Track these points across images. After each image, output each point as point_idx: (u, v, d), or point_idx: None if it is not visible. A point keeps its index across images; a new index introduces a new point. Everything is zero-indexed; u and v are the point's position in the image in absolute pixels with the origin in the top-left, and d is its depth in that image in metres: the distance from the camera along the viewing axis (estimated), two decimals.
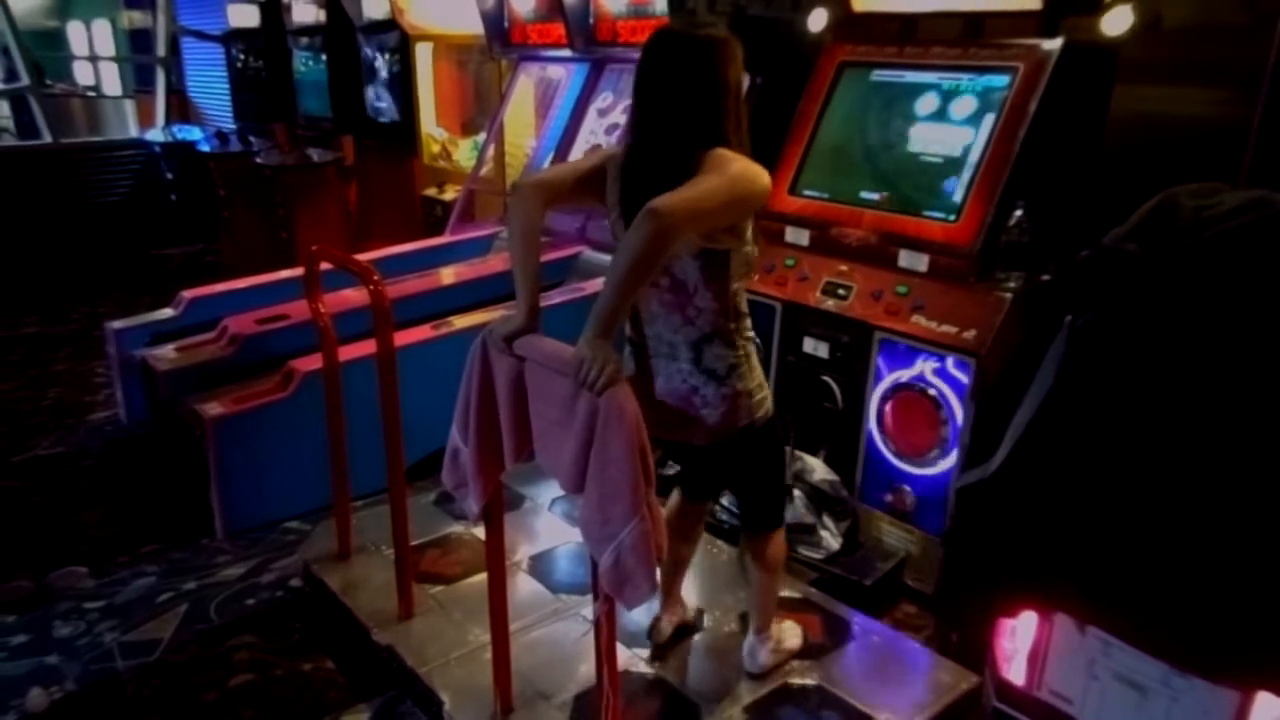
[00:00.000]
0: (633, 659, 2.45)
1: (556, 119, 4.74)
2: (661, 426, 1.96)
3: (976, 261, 2.69)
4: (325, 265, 2.78)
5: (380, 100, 6.31)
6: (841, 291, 2.93)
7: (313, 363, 3.25)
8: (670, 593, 2.53)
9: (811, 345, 3.02)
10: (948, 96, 2.94)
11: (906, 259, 2.83)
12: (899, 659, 2.49)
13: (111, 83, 11.02)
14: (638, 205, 1.67)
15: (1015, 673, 1.79)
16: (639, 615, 2.50)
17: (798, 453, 2.97)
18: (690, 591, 2.75)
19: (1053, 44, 2.71)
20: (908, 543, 2.86)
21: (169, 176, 7.61)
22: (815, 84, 3.27)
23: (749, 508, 2.34)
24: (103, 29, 11.99)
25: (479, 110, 6.13)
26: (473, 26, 5.06)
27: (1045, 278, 2.69)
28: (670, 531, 2.39)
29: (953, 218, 2.77)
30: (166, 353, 3.89)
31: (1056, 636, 1.72)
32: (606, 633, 1.91)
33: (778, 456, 2.26)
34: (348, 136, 6.73)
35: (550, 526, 3.17)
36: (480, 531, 2.70)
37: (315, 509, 3.34)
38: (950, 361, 2.64)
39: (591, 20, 4.30)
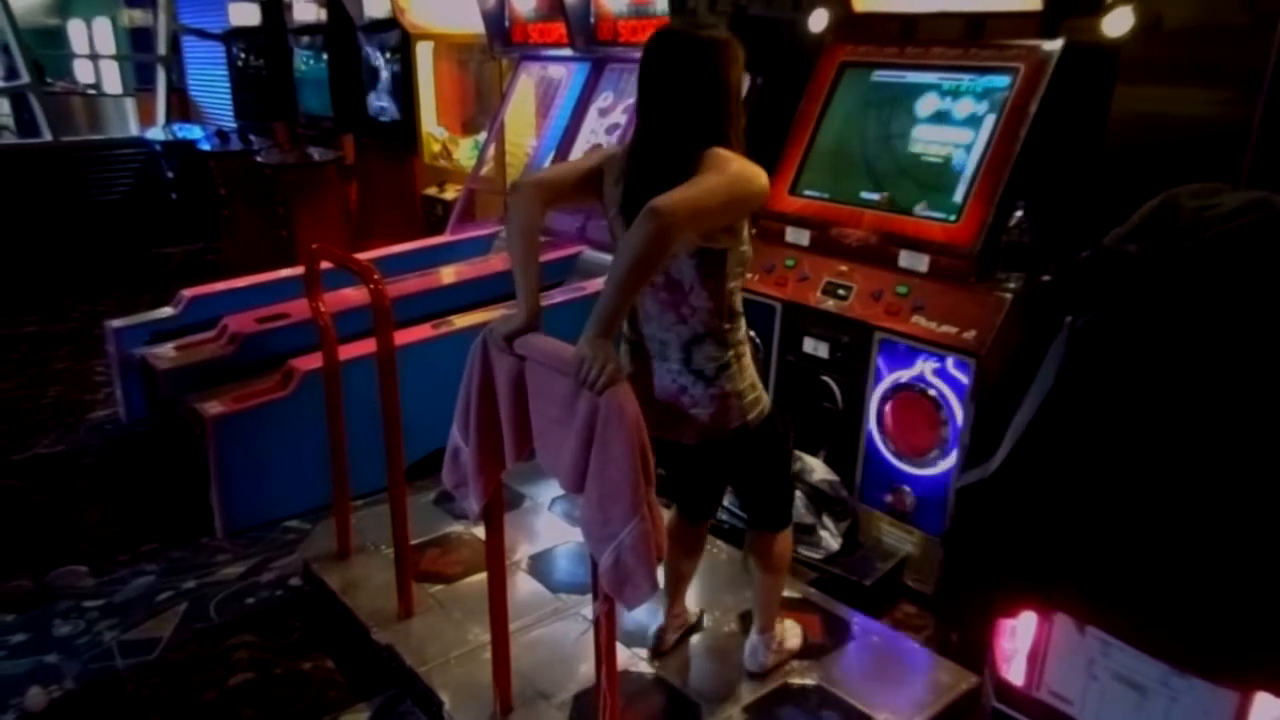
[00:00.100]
0: (633, 659, 2.45)
1: (557, 118, 4.74)
2: (654, 425, 1.96)
3: (977, 262, 2.69)
4: (325, 264, 2.78)
5: (381, 99, 6.31)
6: (842, 292, 2.93)
7: (313, 362, 3.25)
8: (673, 605, 2.53)
9: (811, 345, 3.02)
10: (948, 97, 2.93)
11: (907, 259, 2.83)
12: (899, 659, 2.49)
13: (112, 81, 11.02)
14: (638, 204, 1.67)
15: (1015, 673, 1.79)
16: (639, 615, 2.50)
17: (798, 453, 2.97)
18: (690, 591, 2.75)
19: (1053, 45, 2.71)
20: (908, 543, 2.86)
21: (169, 175, 7.61)
22: (816, 84, 3.27)
23: (752, 505, 2.34)
24: (103, 27, 12.00)
25: (479, 109, 6.13)
26: (474, 25, 5.06)
27: (1045, 278, 2.69)
28: (670, 549, 2.40)
29: (953, 218, 2.77)
30: (166, 351, 3.90)
31: (1056, 636, 1.72)
32: (606, 632, 1.91)
33: (779, 456, 2.24)
34: (348, 135, 6.73)
35: (550, 526, 3.17)
36: (480, 531, 2.70)
37: (315, 508, 3.34)
38: (950, 362, 2.64)
39: (592, 20, 4.30)
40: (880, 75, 3.14)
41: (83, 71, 11.79)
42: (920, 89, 3.01)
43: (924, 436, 2.74)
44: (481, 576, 2.46)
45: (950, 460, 2.69)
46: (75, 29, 12.54)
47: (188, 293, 4.26)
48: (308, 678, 2.60)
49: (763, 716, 2.27)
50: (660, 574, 1.73)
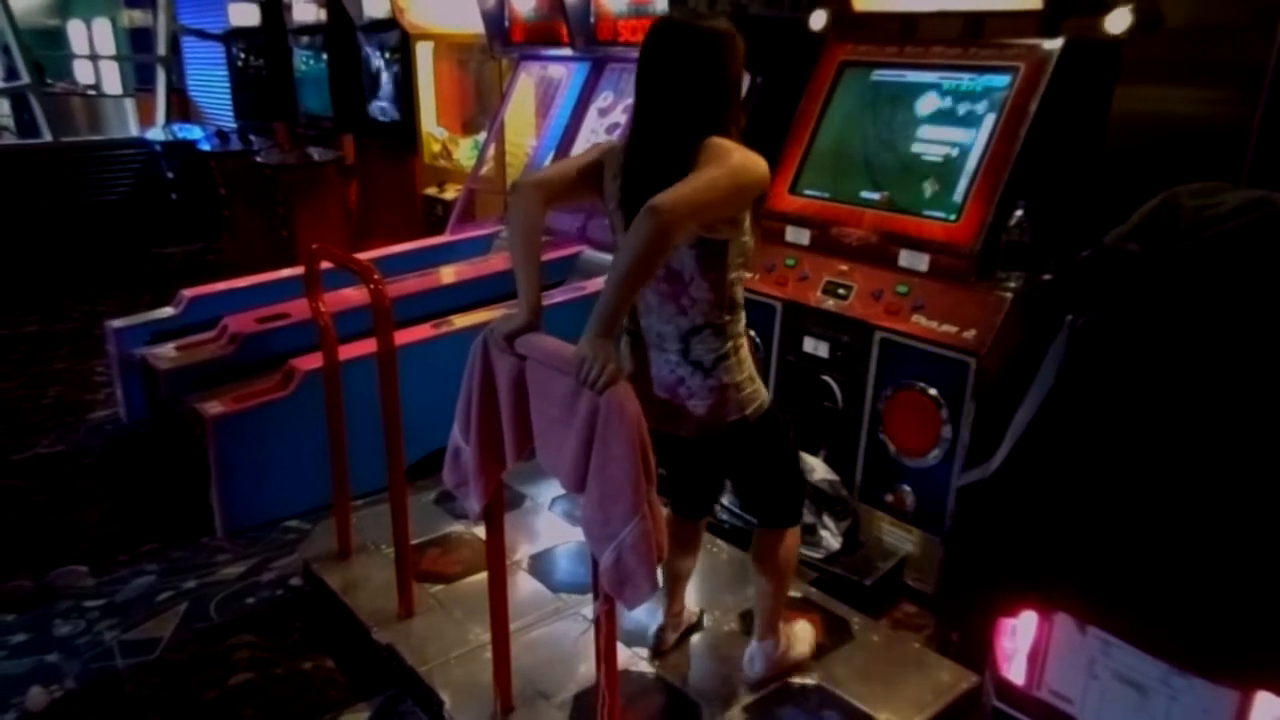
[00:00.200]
0: (633, 658, 2.45)
1: (557, 118, 4.74)
2: (652, 417, 1.95)
3: (977, 261, 2.69)
4: (325, 264, 2.78)
5: (381, 99, 6.31)
6: (842, 291, 2.93)
7: (313, 361, 3.25)
8: (672, 604, 2.52)
9: (812, 345, 3.02)
10: (948, 96, 2.93)
11: (907, 259, 2.83)
12: (899, 659, 2.49)
13: (112, 81, 11.02)
14: (639, 198, 1.67)
15: (1015, 672, 1.79)
16: (639, 615, 2.50)
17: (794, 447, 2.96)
18: (690, 591, 2.75)
19: (1054, 44, 2.71)
20: (908, 542, 2.86)
21: (169, 175, 7.61)
22: (816, 83, 3.26)
23: (755, 503, 2.31)
24: (103, 27, 12.00)
25: (479, 109, 6.13)
26: (474, 25, 5.06)
27: (1046, 277, 2.69)
28: (671, 549, 2.40)
29: (953, 217, 2.77)
30: (167, 351, 3.90)
31: (1056, 636, 1.72)
32: (606, 632, 1.91)
33: (781, 450, 2.20)
34: (348, 135, 6.72)
35: (551, 525, 3.17)
36: (480, 530, 2.70)
37: (315, 508, 3.34)
38: (950, 361, 2.64)
39: (592, 19, 4.30)
40: (880, 74, 3.14)
41: (83, 72, 11.79)
42: (920, 88, 3.01)
43: (924, 436, 2.73)
44: (482, 576, 2.46)
45: (950, 460, 2.69)
46: (75, 29, 12.54)
47: (188, 293, 4.26)
48: (308, 677, 2.60)
49: (763, 716, 2.27)
50: (660, 573, 1.73)
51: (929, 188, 2.89)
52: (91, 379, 4.87)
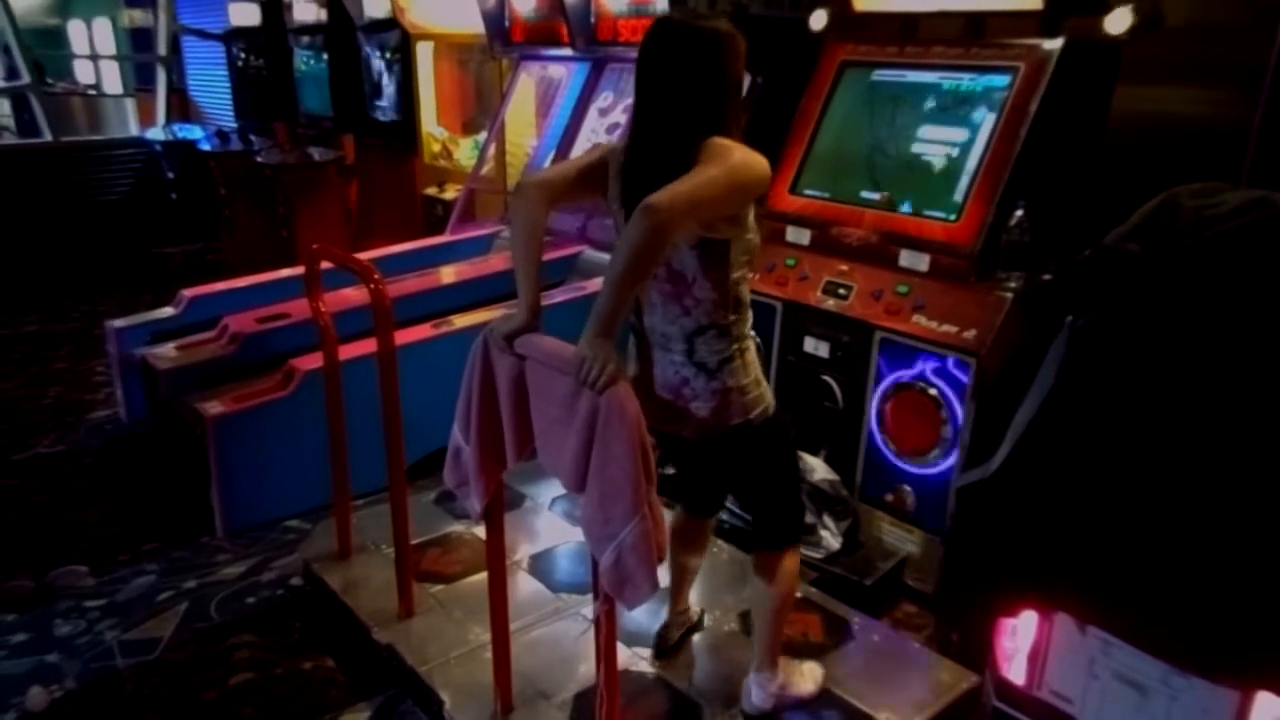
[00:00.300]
0: (633, 658, 2.45)
1: (557, 118, 4.74)
2: (655, 418, 1.95)
3: (977, 261, 2.69)
4: (326, 264, 2.78)
5: (381, 99, 6.31)
6: (842, 291, 2.93)
7: (313, 361, 3.25)
8: (677, 602, 2.51)
9: (812, 345, 3.02)
10: (949, 96, 2.93)
11: (907, 259, 2.83)
12: (899, 659, 2.49)
13: (112, 81, 11.03)
14: (638, 197, 1.66)
15: (1015, 672, 1.79)
16: (639, 615, 2.50)
17: (798, 452, 2.96)
18: (691, 590, 2.75)
19: (1054, 44, 2.71)
20: (908, 542, 2.86)
21: (170, 175, 7.61)
22: (816, 83, 3.27)
23: (754, 515, 2.22)
24: (103, 27, 12.00)
25: (480, 109, 6.13)
26: (474, 25, 5.06)
27: (1046, 278, 2.69)
28: (674, 544, 2.37)
29: (954, 217, 2.77)
30: (167, 351, 3.90)
31: (1057, 636, 1.72)
32: (606, 632, 1.91)
33: (782, 460, 2.14)
34: (348, 135, 6.73)
35: (551, 525, 3.17)
36: (480, 530, 2.70)
37: (315, 508, 3.34)
38: (950, 361, 2.64)
39: (592, 19, 4.30)
40: (880, 74, 3.15)
41: (83, 72, 11.79)
42: (920, 88, 3.01)
43: (924, 436, 2.74)
44: (482, 576, 2.46)
45: (950, 460, 2.69)
46: (75, 29, 12.54)
47: (188, 293, 4.26)
48: (308, 677, 2.60)
49: (763, 716, 2.26)
50: (662, 573, 1.72)
51: (929, 188, 2.89)
52: (91, 379, 4.88)
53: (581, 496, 1.77)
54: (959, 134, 2.87)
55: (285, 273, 4.44)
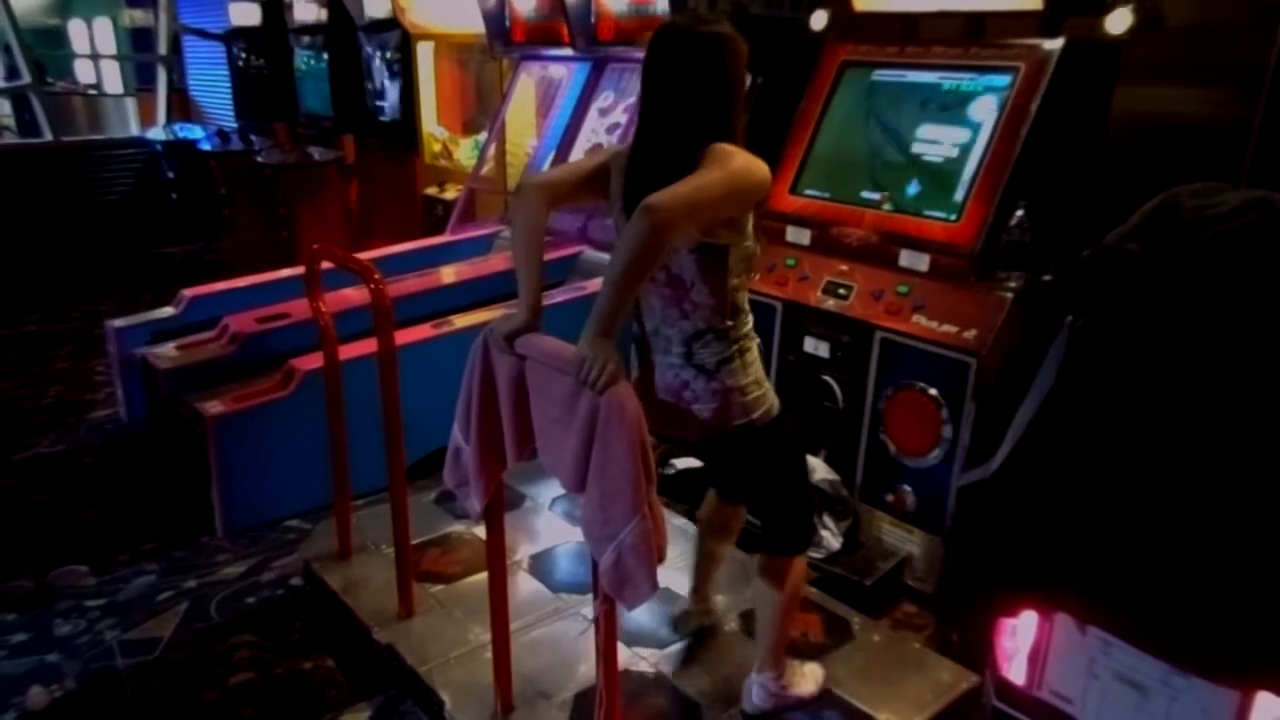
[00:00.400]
0: (633, 658, 2.45)
1: (558, 118, 4.74)
2: (658, 422, 1.96)
3: (977, 261, 2.69)
4: (326, 264, 2.78)
5: (381, 99, 6.31)
6: (842, 291, 2.93)
7: (313, 361, 3.25)
8: (700, 588, 2.50)
9: (812, 345, 3.02)
10: (949, 96, 2.93)
11: (907, 259, 2.83)
12: (899, 659, 2.49)
13: (113, 81, 11.03)
14: (640, 201, 1.67)
15: (1015, 672, 1.79)
16: (640, 614, 2.50)
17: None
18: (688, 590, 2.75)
19: (1054, 44, 2.71)
20: (908, 542, 2.86)
21: (170, 175, 7.61)
22: (816, 83, 3.27)
23: (762, 522, 2.20)
24: (104, 27, 12.01)
25: (480, 109, 6.13)
26: (474, 25, 5.06)
27: (1046, 278, 2.69)
28: (704, 529, 2.41)
29: (954, 217, 2.77)
30: (167, 351, 3.90)
31: (1057, 636, 1.72)
32: (606, 632, 1.91)
33: (788, 463, 2.12)
34: (349, 135, 6.72)
35: (551, 525, 3.17)
36: (481, 530, 2.70)
37: (316, 508, 3.34)
38: (950, 361, 2.64)
39: (593, 19, 4.30)
40: (881, 74, 3.14)
41: (83, 71, 11.80)
42: (920, 88, 3.01)
43: (924, 436, 2.74)
44: (482, 576, 2.46)
45: (950, 460, 2.69)
46: (76, 29, 12.54)
47: (188, 292, 4.26)
48: (308, 677, 2.60)
49: (763, 716, 2.26)
50: (662, 573, 1.72)
51: (929, 188, 2.89)
52: (92, 379, 4.88)
53: (581, 496, 1.77)
54: (959, 134, 2.87)
55: (285, 273, 4.43)
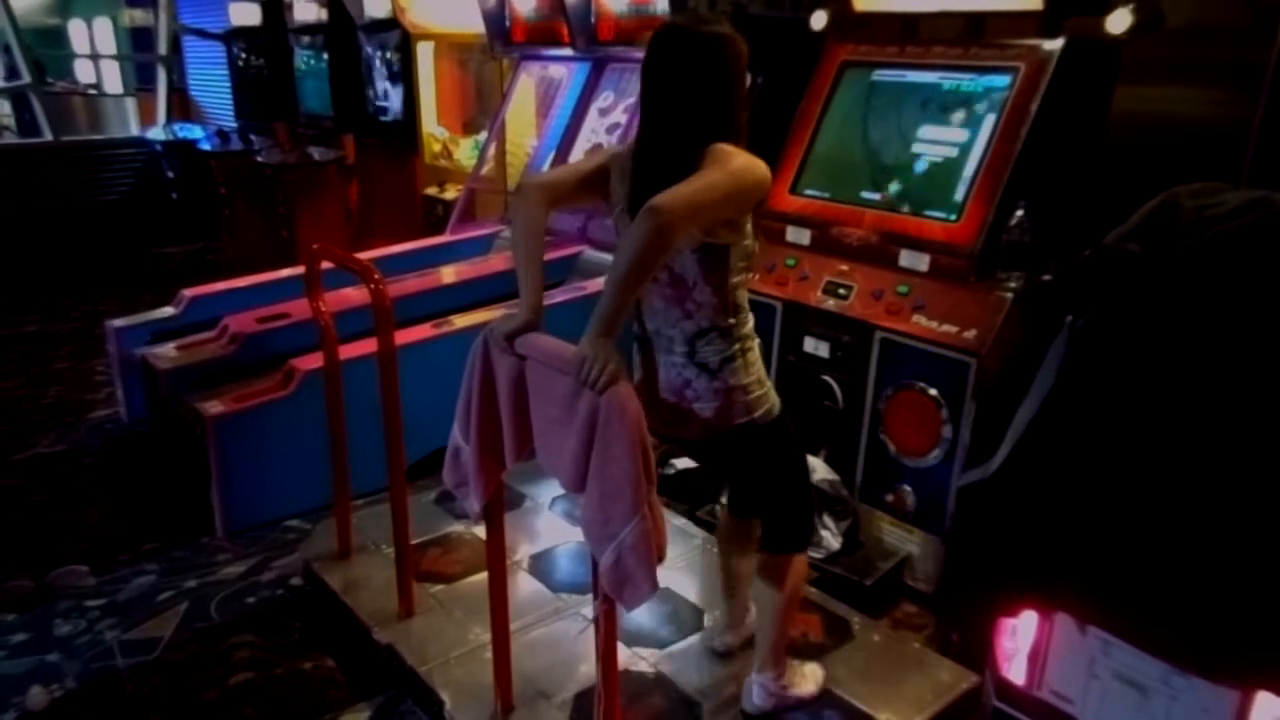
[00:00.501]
0: (633, 658, 2.45)
1: (558, 118, 4.74)
2: (660, 421, 1.96)
3: (977, 261, 2.69)
4: (326, 264, 2.78)
5: (381, 99, 6.31)
6: (842, 291, 2.93)
7: (313, 361, 3.25)
8: (734, 604, 2.46)
9: (812, 345, 3.02)
10: (949, 96, 2.93)
11: (907, 259, 2.83)
12: (899, 659, 2.49)
13: (113, 81, 11.04)
14: (644, 201, 1.67)
15: (1015, 672, 1.79)
16: (640, 614, 2.50)
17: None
18: (690, 591, 2.76)
19: (1054, 44, 2.71)
20: (908, 542, 2.86)
21: (170, 175, 7.61)
22: (816, 84, 3.27)
23: (763, 521, 2.20)
24: (104, 27, 12.01)
25: (480, 109, 6.13)
26: (474, 25, 5.06)
27: (1046, 278, 2.69)
28: (723, 546, 2.41)
29: (954, 217, 2.77)
30: (167, 351, 3.90)
31: (1057, 636, 1.72)
32: (606, 632, 1.91)
33: (789, 462, 2.12)
34: (349, 135, 6.73)
35: (551, 525, 3.17)
36: (481, 530, 2.70)
37: (316, 508, 3.34)
38: (950, 361, 2.64)
39: (593, 19, 4.30)
40: (881, 75, 3.14)
41: (83, 71, 11.81)
42: (920, 88, 3.01)
43: (924, 436, 2.73)
44: (482, 576, 2.46)
45: (951, 460, 2.69)
46: (76, 29, 12.55)
47: (188, 292, 4.26)
48: (308, 677, 2.60)
49: (764, 716, 2.26)
50: (662, 573, 1.72)
51: (929, 188, 2.89)
52: (92, 379, 4.88)
53: (581, 497, 1.77)
54: (959, 134, 2.87)
55: (285, 273, 4.43)
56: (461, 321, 3.74)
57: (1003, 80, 2.80)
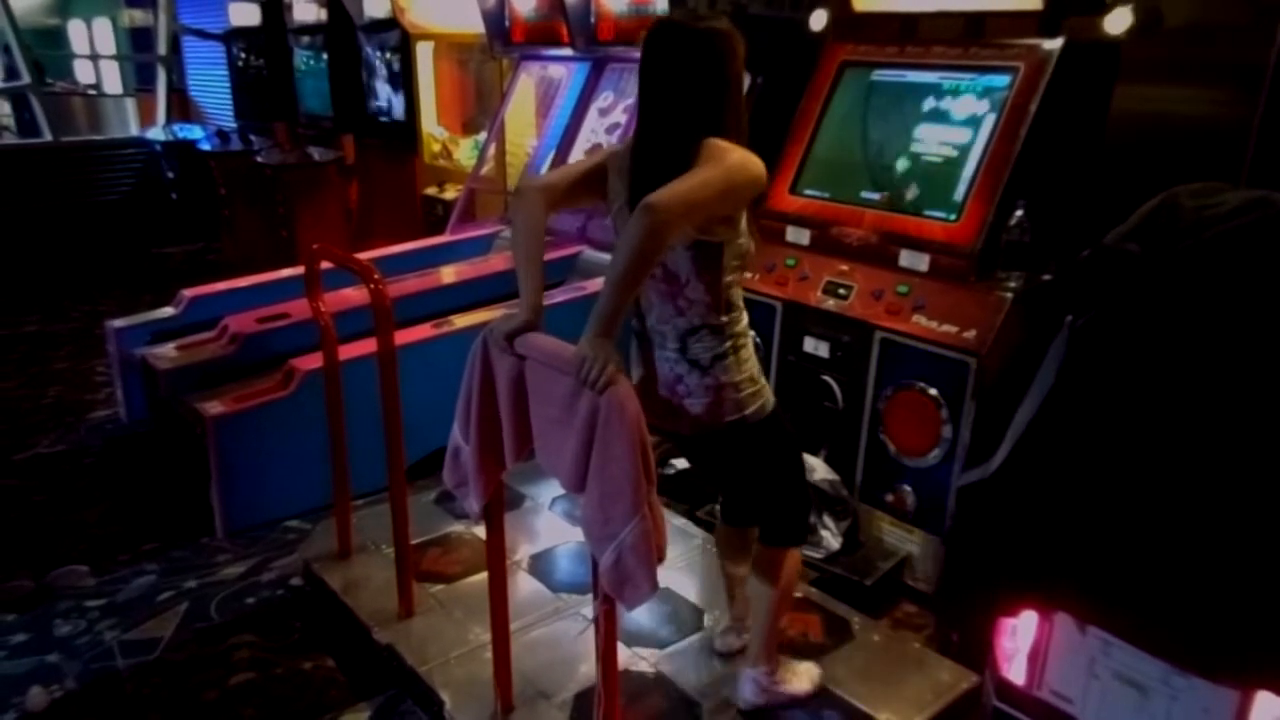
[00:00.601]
0: (633, 658, 2.45)
1: (557, 118, 4.74)
2: (653, 414, 1.95)
3: (977, 261, 2.69)
4: (326, 264, 2.78)
5: (381, 99, 6.31)
6: (842, 291, 2.93)
7: (313, 361, 3.25)
8: (733, 608, 2.47)
9: (812, 345, 3.02)
10: (948, 96, 2.93)
11: (907, 258, 2.83)
12: (899, 659, 2.49)
13: (112, 81, 11.04)
14: (642, 198, 1.67)
15: (1015, 672, 1.79)
16: (640, 614, 2.50)
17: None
18: (690, 591, 2.76)
19: (1054, 44, 2.71)
20: (908, 542, 2.86)
21: (170, 175, 7.61)
22: (816, 83, 3.27)
23: (755, 511, 2.22)
24: (103, 27, 12.02)
25: (480, 109, 6.13)
26: (474, 25, 5.06)
27: (1046, 277, 2.69)
28: (721, 553, 2.41)
29: (954, 217, 2.77)
30: (167, 351, 3.90)
31: (1057, 636, 1.72)
32: (606, 632, 1.91)
33: (782, 459, 2.12)
34: (348, 135, 6.73)
35: (551, 525, 3.17)
36: (481, 530, 2.70)
37: (316, 508, 3.34)
38: (950, 361, 2.64)
39: (592, 19, 4.30)
40: (880, 74, 3.14)
41: (83, 71, 11.80)
42: (920, 88, 3.01)
43: (924, 436, 2.73)
44: (482, 576, 2.46)
45: (950, 460, 2.69)
46: (75, 29, 12.55)
47: (188, 293, 4.26)
48: (308, 677, 2.60)
49: (763, 716, 2.26)
50: (662, 573, 1.72)
51: (929, 188, 2.89)
52: (92, 379, 4.88)
53: (581, 497, 1.77)
54: (959, 134, 2.87)
55: (285, 273, 4.43)
56: (461, 321, 3.74)
57: (1002, 80, 2.80)
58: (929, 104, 2.97)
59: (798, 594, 2.72)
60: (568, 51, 4.57)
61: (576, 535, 2.96)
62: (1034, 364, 2.21)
